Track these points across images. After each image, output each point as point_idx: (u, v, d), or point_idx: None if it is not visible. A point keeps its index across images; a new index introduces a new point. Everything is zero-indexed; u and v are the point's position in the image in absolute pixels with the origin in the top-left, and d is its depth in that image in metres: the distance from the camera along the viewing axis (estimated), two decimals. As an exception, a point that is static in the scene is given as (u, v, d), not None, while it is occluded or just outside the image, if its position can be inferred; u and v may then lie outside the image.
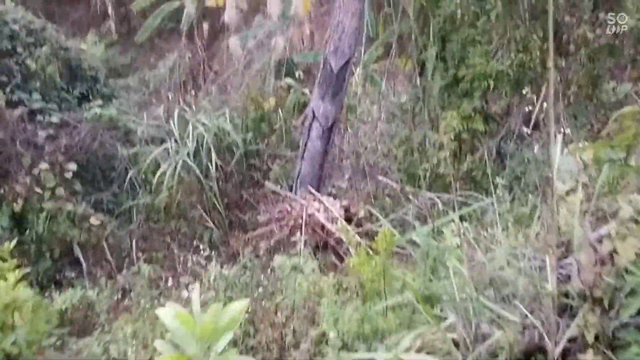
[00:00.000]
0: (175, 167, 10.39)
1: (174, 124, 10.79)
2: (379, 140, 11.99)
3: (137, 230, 10.34)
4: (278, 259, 5.79)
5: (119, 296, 8.12)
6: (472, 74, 10.09)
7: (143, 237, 10.30)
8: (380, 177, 10.82)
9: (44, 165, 9.65)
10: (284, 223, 8.56)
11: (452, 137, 10.22)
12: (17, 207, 9.26)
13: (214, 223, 10.47)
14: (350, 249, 7.47)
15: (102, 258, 9.37)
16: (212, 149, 10.48)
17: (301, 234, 8.25)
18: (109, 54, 18.00)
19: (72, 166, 10.04)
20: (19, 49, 10.91)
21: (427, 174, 10.22)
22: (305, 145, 8.97)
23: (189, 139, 10.63)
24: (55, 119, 10.56)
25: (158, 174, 10.38)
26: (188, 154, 10.48)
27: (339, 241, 8.23)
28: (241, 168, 11.25)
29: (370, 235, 8.13)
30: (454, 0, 10.32)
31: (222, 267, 6.75)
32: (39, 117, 10.48)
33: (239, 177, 11.26)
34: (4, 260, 4.97)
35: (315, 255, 8.44)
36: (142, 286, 7.18)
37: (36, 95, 10.74)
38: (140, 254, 9.41)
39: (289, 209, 8.67)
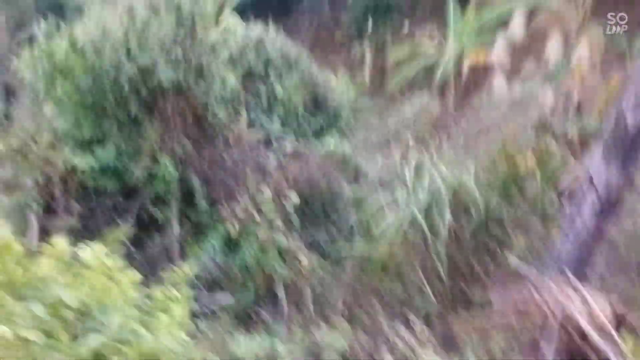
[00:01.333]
0: (402, 220, 9.02)
1: (409, 170, 9.47)
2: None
3: (347, 282, 9.13)
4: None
5: (310, 354, 6.94)
6: None
7: (352, 291, 9.05)
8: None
9: (267, 193, 9.10)
10: (527, 317, 6.50)
11: None
12: (234, 230, 8.79)
13: (433, 293, 8.78)
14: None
15: (304, 305, 8.33)
16: (448, 207, 8.87)
17: (551, 340, 6.15)
18: (358, 101, 17.84)
19: (295, 199, 9.34)
20: (271, 74, 10.82)
21: None
22: (573, 220, 6.85)
23: (422, 190, 9.20)
24: (289, 148, 10.09)
25: (382, 224, 9.12)
26: (419, 208, 9.03)
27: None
28: (477, 235, 9.40)
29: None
30: None
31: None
32: (274, 144, 10.12)
33: (473, 244, 9.41)
34: (177, 287, 4.01)
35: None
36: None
37: (277, 122, 10.47)
38: (345, 310, 8.18)
39: (537, 298, 6.58)
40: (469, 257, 9.28)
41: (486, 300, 8.23)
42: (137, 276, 4.05)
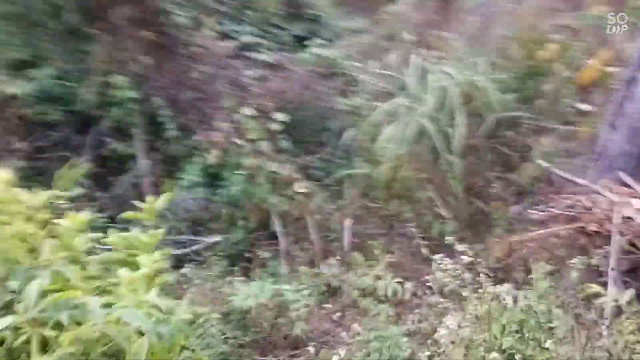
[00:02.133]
0: (407, 132, 7.72)
1: (410, 74, 8.09)
2: None
3: (349, 208, 7.90)
4: None
5: (322, 296, 5.78)
6: None
7: (355, 217, 7.83)
8: None
9: (248, 111, 7.67)
10: (578, 228, 5.38)
11: None
12: (212, 159, 7.41)
13: (449, 213, 7.64)
14: None
15: (305, 237, 7.11)
16: (459, 110, 7.59)
17: (610, 249, 5.05)
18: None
19: (281, 117, 7.93)
20: (237, -26, 9.14)
21: None
22: (622, 106, 5.63)
23: (428, 95, 7.86)
24: (267, 57, 8.57)
25: (383, 137, 7.81)
26: (426, 116, 7.72)
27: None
28: (493, 141, 8.19)
29: None
30: None
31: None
32: (249, 54, 8.58)
33: (488, 153, 8.22)
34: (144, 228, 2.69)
35: (625, 284, 5.20)
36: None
37: (249, 28, 8.88)
38: (353, 240, 7.00)
39: (587, 204, 5.46)
40: (485, 168, 8.11)
41: (515, 217, 7.16)
42: (85, 217, 2.71)
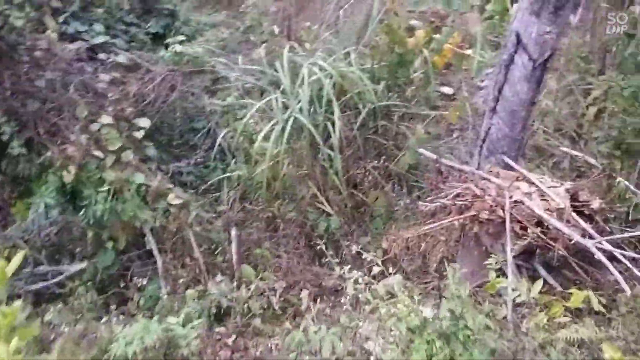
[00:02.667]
0: (284, 128, 7.37)
1: (281, 68, 7.72)
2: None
3: (230, 214, 7.42)
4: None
5: (212, 319, 5.27)
6: None
7: (237, 223, 7.36)
8: (565, 149, 7.36)
9: (106, 119, 6.85)
10: (470, 215, 5.37)
11: None
12: (69, 176, 6.52)
13: (333, 209, 7.45)
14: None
15: (186, 254, 6.50)
16: (335, 103, 7.38)
17: (503, 235, 5.10)
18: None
19: (145, 122, 7.21)
20: (79, -34, 8.14)
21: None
22: (500, 90, 5.70)
23: (301, 89, 7.55)
24: (122, 58, 7.74)
25: (260, 136, 7.39)
26: (301, 110, 7.42)
27: (570, 249, 5.01)
28: (366, 132, 8.11)
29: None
30: None
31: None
32: (102, 56, 7.70)
33: (363, 144, 8.12)
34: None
35: (520, 271, 5.32)
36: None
37: (99, 27, 7.96)
38: (241, 250, 6.51)
39: (477, 191, 5.47)
40: (363, 160, 8.01)
41: (403, 210, 7.14)
42: None
